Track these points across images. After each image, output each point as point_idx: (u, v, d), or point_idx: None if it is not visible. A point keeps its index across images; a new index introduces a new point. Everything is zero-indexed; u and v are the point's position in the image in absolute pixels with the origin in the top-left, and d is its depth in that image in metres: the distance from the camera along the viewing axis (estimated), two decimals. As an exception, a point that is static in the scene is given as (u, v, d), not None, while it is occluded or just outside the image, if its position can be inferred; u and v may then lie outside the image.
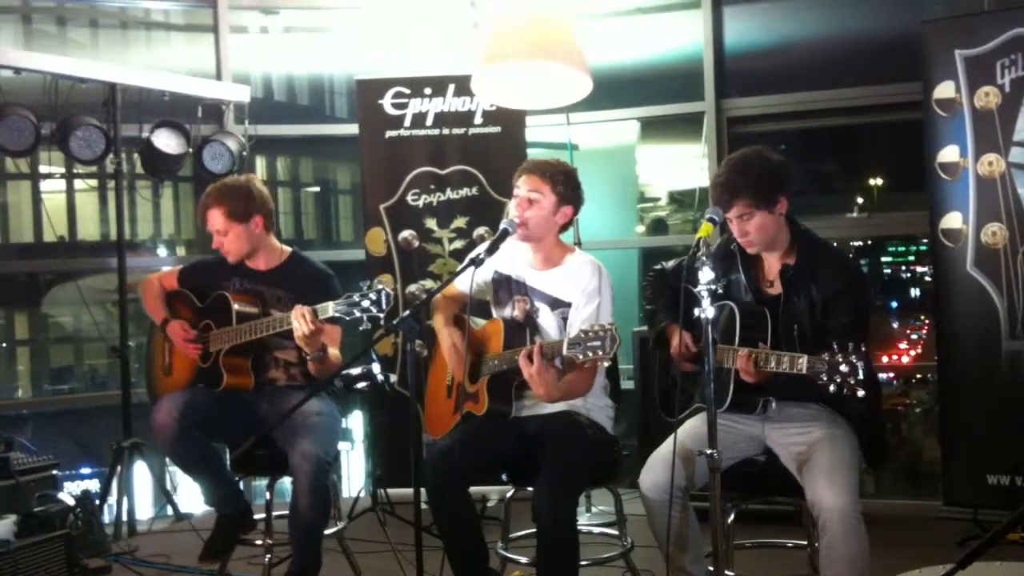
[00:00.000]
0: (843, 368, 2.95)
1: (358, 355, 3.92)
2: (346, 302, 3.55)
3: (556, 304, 3.67)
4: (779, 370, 3.12)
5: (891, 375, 7.45)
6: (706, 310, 3.03)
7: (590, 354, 3.20)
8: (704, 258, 3.02)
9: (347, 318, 3.61)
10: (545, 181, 3.65)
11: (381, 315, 3.52)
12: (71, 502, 4.57)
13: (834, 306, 3.31)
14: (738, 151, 3.51)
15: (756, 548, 4.12)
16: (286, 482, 3.94)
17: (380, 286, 3.53)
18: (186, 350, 4.08)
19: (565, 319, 3.63)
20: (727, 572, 3.35)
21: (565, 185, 3.68)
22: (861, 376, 2.93)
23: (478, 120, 5.54)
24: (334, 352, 3.90)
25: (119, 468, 5.20)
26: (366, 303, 3.51)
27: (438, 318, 3.91)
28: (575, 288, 3.62)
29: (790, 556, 3.96)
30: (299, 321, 3.63)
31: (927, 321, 9.04)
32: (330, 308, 3.60)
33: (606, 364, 3.49)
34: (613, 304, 3.63)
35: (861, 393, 2.94)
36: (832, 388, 2.96)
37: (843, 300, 3.31)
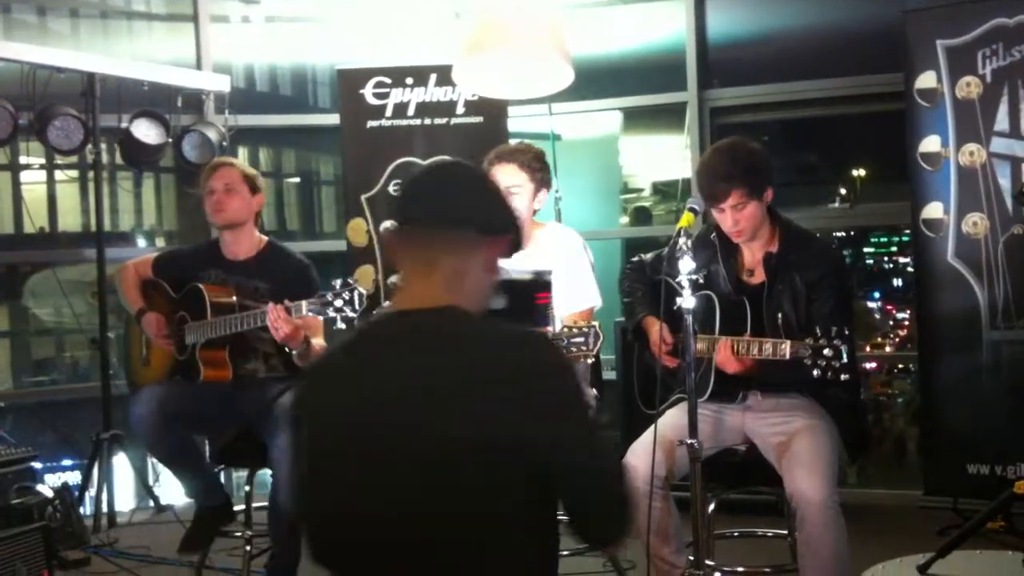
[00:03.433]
0: (827, 352, 2.96)
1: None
2: (319, 302, 3.52)
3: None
4: (762, 357, 3.12)
5: (873, 365, 7.47)
6: (686, 300, 3.02)
7: (573, 350, 3.20)
8: (685, 248, 3.02)
9: (320, 318, 3.60)
10: (523, 170, 3.65)
11: (355, 315, 3.50)
12: (50, 494, 4.55)
13: (818, 292, 3.32)
14: (722, 140, 3.50)
15: (737, 538, 4.13)
16: (266, 474, 3.92)
17: (354, 285, 3.51)
18: (160, 344, 4.06)
19: None
20: (708, 562, 3.35)
21: (542, 170, 3.69)
22: (845, 360, 2.94)
23: (460, 110, 5.52)
24: (318, 342, 3.87)
25: (99, 460, 5.17)
26: (339, 303, 3.49)
27: None
28: (553, 258, 3.63)
29: (771, 545, 3.96)
30: (277, 325, 3.60)
31: (909, 311, 9.07)
32: (303, 307, 3.58)
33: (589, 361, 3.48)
34: (594, 270, 3.67)
35: (845, 377, 2.95)
36: (816, 372, 2.96)
37: (826, 286, 3.32)
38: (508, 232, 1.98)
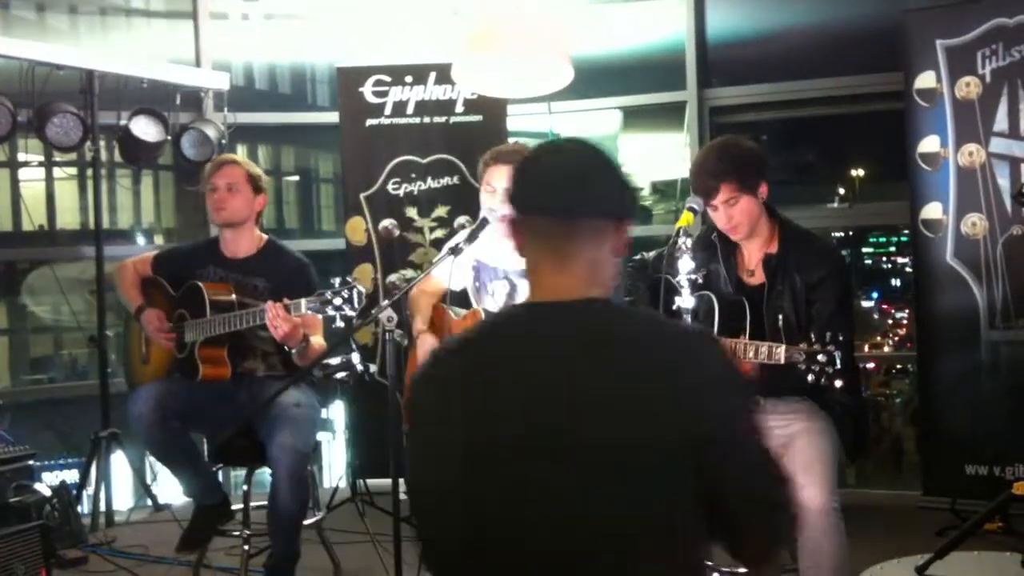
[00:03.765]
0: (820, 358, 2.95)
1: (335, 345, 3.89)
2: (318, 300, 3.52)
3: None
4: (757, 360, 3.11)
5: (871, 365, 7.47)
6: (686, 299, 3.02)
7: None
8: (684, 247, 3.01)
9: (319, 316, 3.60)
10: None
11: (354, 314, 3.50)
12: (48, 492, 4.54)
13: (818, 294, 3.31)
14: (714, 139, 3.50)
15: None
16: (264, 473, 3.92)
17: (353, 284, 3.50)
18: (159, 341, 4.05)
19: None
20: (707, 562, 3.34)
21: None
22: (839, 365, 2.93)
23: (459, 108, 5.52)
24: (317, 340, 3.87)
25: (97, 458, 5.17)
26: (338, 301, 3.49)
27: (418, 318, 3.90)
28: None
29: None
30: (277, 323, 3.60)
31: (907, 311, 9.08)
32: (302, 306, 3.58)
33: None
34: None
35: (839, 383, 2.94)
36: (810, 378, 2.95)
37: (827, 288, 3.31)
38: (635, 213, 1.88)
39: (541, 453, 1.65)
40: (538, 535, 1.66)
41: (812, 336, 2.97)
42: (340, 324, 3.52)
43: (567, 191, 1.80)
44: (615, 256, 1.84)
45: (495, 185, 3.67)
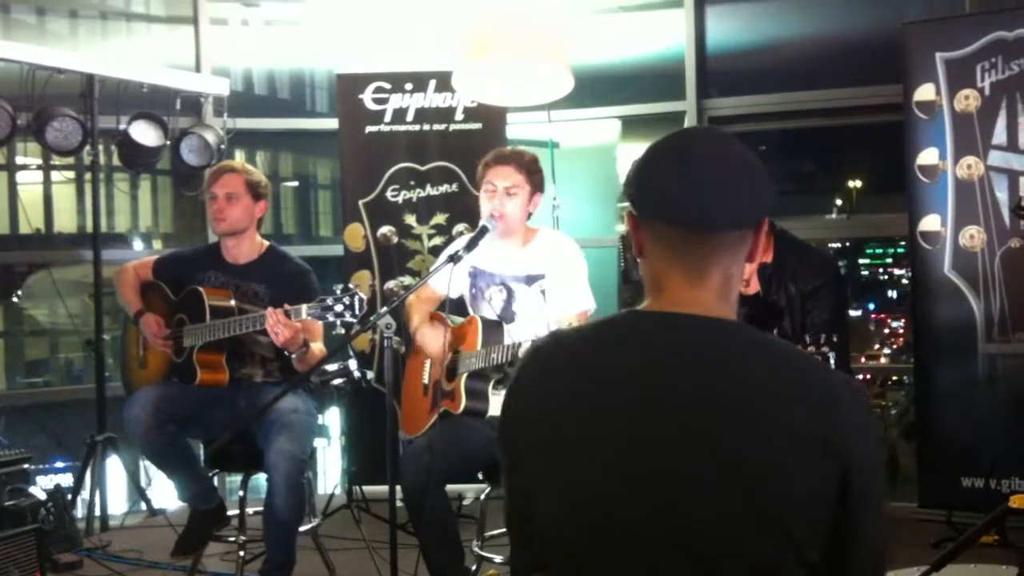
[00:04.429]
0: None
1: (335, 351, 3.89)
2: (319, 305, 3.52)
3: (532, 280, 3.71)
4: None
5: (867, 376, 7.48)
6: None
7: None
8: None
9: (320, 322, 3.60)
10: (521, 171, 3.65)
11: (354, 320, 3.50)
12: (43, 496, 4.53)
13: (814, 303, 3.32)
14: None
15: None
16: (260, 478, 3.91)
17: (354, 290, 3.51)
18: (157, 346, 4.05)
19: (543, 292, 3.66)
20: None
21: (537, 173, 3.71)
22: (833, 366, 2.93)
23: (459, 116, 5.53)
24: (317, 346, 3.88)
25: (92, 462, 5.16)
26: (339, 307, 3.49)
27: (414, 318, 3.90)
28: (547, 261, 3.66)
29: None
30: (278, 329, 3.60)
31: (903, 323, 9.10)
32: (303, 311, 3.58)
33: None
34: (586, 280, 3.72)
35: None
36: None
37: (823, 297, 3.32)
38: (771, 209, 1.64)
39: (673, 467, 1.48)
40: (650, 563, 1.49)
41: (806, 339, 2.98)
42: (341, 330, 3.52)
43: (705, 199, 1.55)
44: (750, 262, 1.65)
45: (497, 184, 3.67)
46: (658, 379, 1.51)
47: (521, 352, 3.33)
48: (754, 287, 3.44)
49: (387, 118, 5.53)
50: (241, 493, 3.95)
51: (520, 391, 1.65)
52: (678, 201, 1.55)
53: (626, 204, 1.70)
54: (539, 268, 3.70)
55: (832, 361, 2.93)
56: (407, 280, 5.47)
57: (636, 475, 1.49)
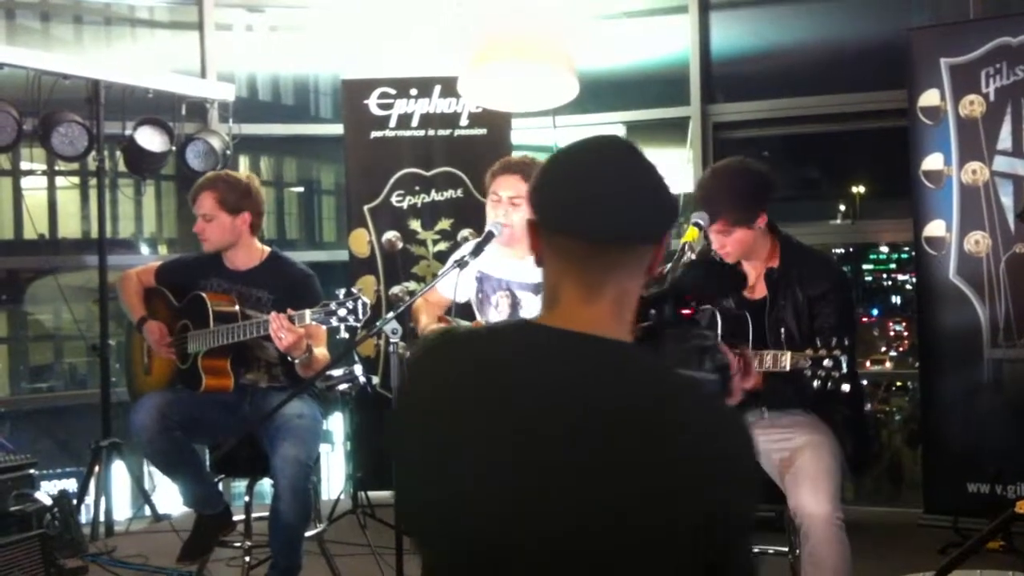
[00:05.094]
0: (827, 363, 2.96)
1: (340, 356, 3.90)
2: (323, 310, 3.53)
3: (538, 288, 3.69)
4: (762, 368, 3.12)
5: (865, 383, 7.47)
6: (691, 314, 3.02)
7: None
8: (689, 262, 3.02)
9: (324, 327, 3.60)
10: (526, 182, 3.66)
11: (358, 324, 3.50)
12: (48, 501, 4.53)
13: (820, 307, 3.32)
14: (722, 162, 3.51)
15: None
16: (265, 483, 3.92)
17: (358, 295, 3.51)
18: (161, 352, 4.05)
19: None
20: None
21: None
22: (844, 370, 2.94)
23: (464, 122, 5.54)
24: (321, 351, 3.87)
25: (97, 468, 5.16)
26: (343, 312, 3.49)
27: (422, 319, 3.90)
28: None
29: (771, 563, 3.95)
30: (281, 334, 3.60)
31: (907, 329, 9.09)
32: (307, 316, 3.58)
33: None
34: None
35: (846, 387, 2.95)
36: (816, 383, 2.96)
37: (829, 301, 3.32)
38: (675, 224, 1.62)
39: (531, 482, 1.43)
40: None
41: (817, 342, 2.99)
42: (345, 335, 3.52)
43: (604, 210, 1.51)
44: (648, 278, 1.60)
45: (501, 194, 3.68)
46: (540, 396, 1.46)
47: None
48: (761, 292, 3.44)
49: (392, 123, 5.54)
50: (247, 498, 3.95)
51: (408, 391, 1.63)
52: (578, 212, 1.51)
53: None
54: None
55: (844, 365, 2.93)
56: (412, 285, 5.47)
57: (505, 493, 1.45)
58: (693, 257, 3.07)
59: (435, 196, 5.52)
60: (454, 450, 1.50)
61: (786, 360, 3.06)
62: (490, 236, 3.58)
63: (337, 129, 5.81)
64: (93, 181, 5.53)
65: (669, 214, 1.56)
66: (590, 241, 1.51)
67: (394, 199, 5.52)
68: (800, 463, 3.19)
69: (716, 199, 3.29)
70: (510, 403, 1.47)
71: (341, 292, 3.54)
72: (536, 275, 3.72)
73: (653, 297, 1.74)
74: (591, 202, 1.51)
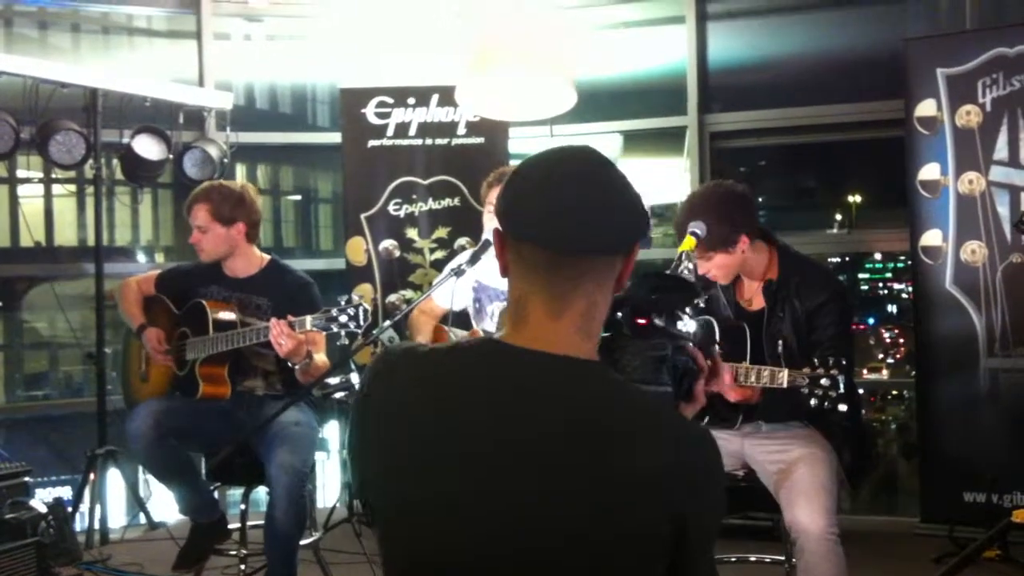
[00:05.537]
0: (824, 382, 2.96)
1: (337, 364, 3.89)
2: (324, 316, 3.53)
3: None
4: (759, 384, 3.12)
5: (861, 391, 7.47)
6: (687, 324, 3.02)
7: None
8: (686, 272, 3.02)
9: (324, 333, 3.60)
10: None
11: (359, 331, 3.50)
12: (43, 509, 4.52)
13: (819, 320, 3.32)
14: (700, 188, 3.50)
15: (734, 563, 4.11)
16: (261, 491, 3.91)
17: (358, 302, 3.51)
18: (159, 360, 4.05)
19: None
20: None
21: None
22: (842, 390, 2.93)
23: (461, 131, 5.54)
24: (320, 358, 3.87)
25: (93, 475, 5.15)
26: (344, 318, 3.50)
27: (419, 338, 3.91)
28: None
29: (767, 571, 3.95)
30: (282, 340, 3.60)
31: (903, 338, 9.10)
32: (308, 323, 3.58)
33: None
34: None
35: (843, 407, 2.94)
36: (813, 402, 2.96)
37: (827, 313, 3.32)
38: (646, 235, 1.63)
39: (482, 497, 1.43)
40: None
41: (815, 361, 2.98)
42: (345, 341, 3.52)
43: (571, 220, 1.47)
44: (617, 291, 1.57)
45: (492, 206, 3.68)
46: (504, 415, 1.45)
47: None
48: (759, 303, 3.44)
49: (389, 132, 5.55)
50: (242, 506, 3.94)
51: (367, 404, 1.58)
52: (546, 222, 1.47)
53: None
54: None
55: (842, 385, 2.93)
56: (409, 294, 5.48)
57: (469, 510, 1.44)
58: (691, 266, 3.07)
59: (432, 205, 5.52)
60: (403, 466, 1.49)
61: (783, 377, 3.06)
62: (487, 245, 3.58)
63: (335, 138, 5.81)
64: (90, 189, 5.53)
65: (638, 225, 1.54)
66: (557, 251, 1.48)
67: (391, 207, 5.52)
68: (796, 476, 3.19)
69: (687, 226, 3.24)
70: (461, 423, 1.46)
71: (342, 299, 3.55)
72: None
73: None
74: (559, 212, 1.47)
